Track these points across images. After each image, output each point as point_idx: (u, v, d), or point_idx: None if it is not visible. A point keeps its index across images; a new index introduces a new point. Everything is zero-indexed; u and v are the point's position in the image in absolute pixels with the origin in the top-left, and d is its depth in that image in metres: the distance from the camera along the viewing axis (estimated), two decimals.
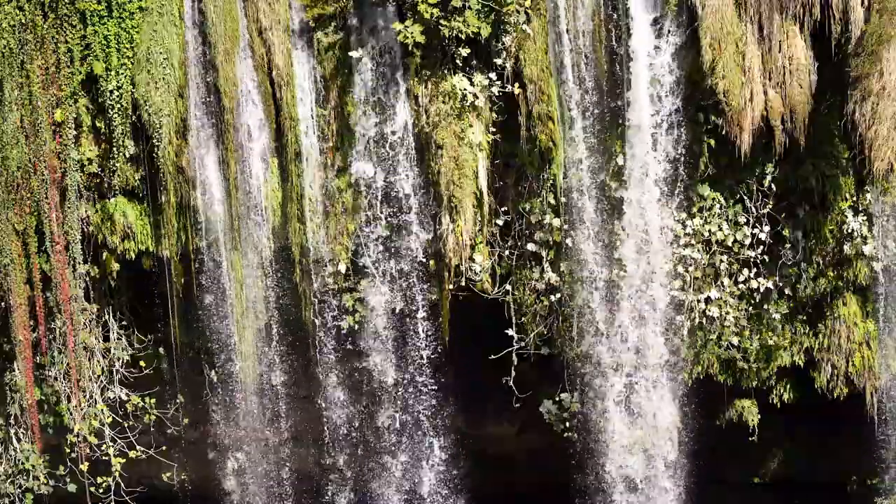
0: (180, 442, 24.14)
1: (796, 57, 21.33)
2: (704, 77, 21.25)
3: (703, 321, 22.63)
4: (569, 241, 22.10)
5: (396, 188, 21.87)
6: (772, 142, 21.60)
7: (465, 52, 21.20)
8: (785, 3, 21.19)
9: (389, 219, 22.04)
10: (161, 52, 21.37)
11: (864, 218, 22.01)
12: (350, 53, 21.28)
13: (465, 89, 21.29)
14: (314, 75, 21.79)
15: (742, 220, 22.24)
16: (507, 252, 22.60)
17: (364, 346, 22.73)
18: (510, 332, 22.83)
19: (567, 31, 21.33)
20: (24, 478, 23.19)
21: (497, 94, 21.57)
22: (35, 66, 21.49)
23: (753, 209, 22.21)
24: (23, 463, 23.13)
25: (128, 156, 21.87)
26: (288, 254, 22.36)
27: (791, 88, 21.39)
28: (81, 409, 22.88)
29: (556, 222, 22.06)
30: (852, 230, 22.04)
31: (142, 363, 23.40)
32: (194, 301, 22.56)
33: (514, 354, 22.87)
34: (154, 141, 21.59)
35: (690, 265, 22.30)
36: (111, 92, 21.54)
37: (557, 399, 23.21)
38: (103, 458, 23.26)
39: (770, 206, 22.18)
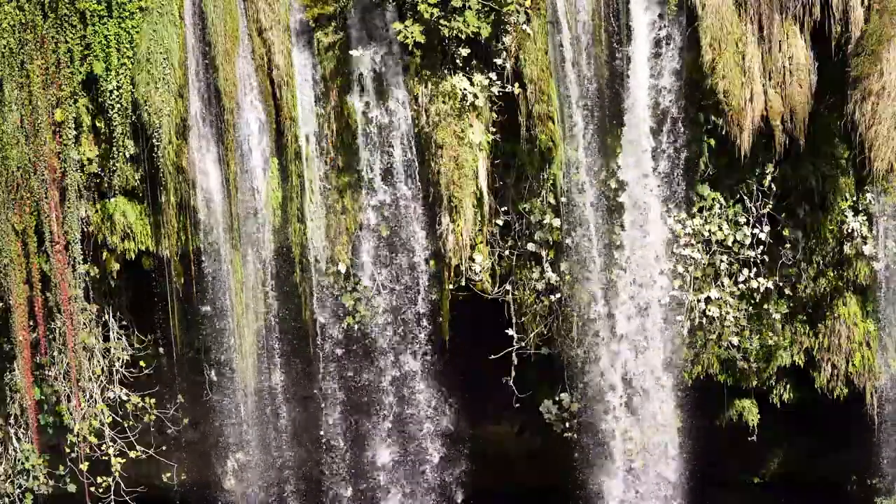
0: (180, 442, 24.12)
1: (796, 57, 21.33)
2: (704, 77, 21.27)
3: (703, 321, 22.63)
4: (569, 240, 22.10)
5: (396, 188, 21.87)
6: (772, 142, 21.62)
7: (464, 52, 21.20)
8: (785, 3, 21.20)
9: (389, 219, 22.04)
10: (161, 52, 21.36)
11: (864, 218, 22.02)
12: (350, 52, 21.28)
13: (465, 89, 21.29)
14: (314, 75, 21.79)
15: (742, 220, 22.24)
16: (507, 252, 22.59)
17: (363, 346, 22.72)
18: (510, 332, 22.83)
19: (567, 30, 21.34)
20: (24, 478, 23.18)
21: (497, 94, 21.57)
22: (35, 66, 21.47)
23: (753, 209, 22.21)
24: (23, 463, 23.11)
25: (128, 156, 21.86)
26: (288, 254, 22.36)
27: (791, 88, 21.40)
28: (81, 409, 22.87)
29: (556, 222, 22.05)
30: (852, 230, 22.04)
31: (142, 363, 23.38)
32: (194, 301, 22.55)
33: (514, 354, 22.88)
34: (154, 141, 21.58)
35: (690, 265, 22.30)
36: (111, 92, 21.53)
37: (557, 399, 23.21)
38: (103, 458, 23.24)
39: (770, 206, 22.18)
